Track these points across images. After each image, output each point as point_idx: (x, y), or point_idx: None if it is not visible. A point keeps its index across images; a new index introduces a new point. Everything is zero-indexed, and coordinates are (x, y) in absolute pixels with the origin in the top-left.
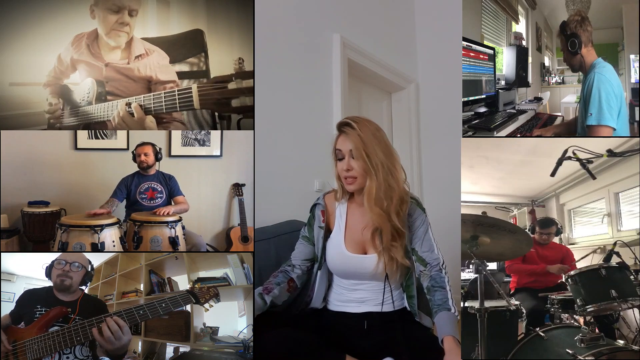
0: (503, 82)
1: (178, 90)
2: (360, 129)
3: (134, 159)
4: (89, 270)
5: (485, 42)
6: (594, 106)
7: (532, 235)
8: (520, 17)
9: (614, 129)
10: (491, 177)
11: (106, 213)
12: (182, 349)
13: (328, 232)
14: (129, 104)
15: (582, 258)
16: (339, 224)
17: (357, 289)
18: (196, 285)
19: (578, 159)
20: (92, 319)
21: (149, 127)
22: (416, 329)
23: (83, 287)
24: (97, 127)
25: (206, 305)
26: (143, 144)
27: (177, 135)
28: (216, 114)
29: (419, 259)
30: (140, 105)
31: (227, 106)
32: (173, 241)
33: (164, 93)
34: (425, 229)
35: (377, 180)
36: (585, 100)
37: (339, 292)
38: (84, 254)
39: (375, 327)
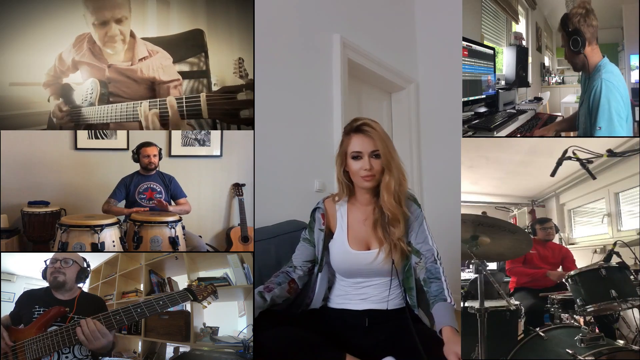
0: (503, 82)
1: (186, 98)
2: (380, 130)
3: (136, 159)
4: (84, 266)
5: (485, 42)
6: (604, 119)
7: (532, 237)
8: (520, 17)
9: None
10: (491, 177)
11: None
12: (182, 349)
13: (329, 234)
14: (154, 106)
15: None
16: (341, 224)
17: (362, 286)
18: (193, 283)
19: (578, 159)
20: (85, 319)
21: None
22: (417, 328)
23: (80, 285)
24: (98, 127)
25: (204, 302)
26: (148, 144)
27: (177, 135)
28: None
29: (414, 250)
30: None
31: (235, 117)
32: (173, 241)
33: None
34: (420, 222)
35: (394, 177)
36: (590, 107)
37: (342, 290)
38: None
39: (376, 325)
